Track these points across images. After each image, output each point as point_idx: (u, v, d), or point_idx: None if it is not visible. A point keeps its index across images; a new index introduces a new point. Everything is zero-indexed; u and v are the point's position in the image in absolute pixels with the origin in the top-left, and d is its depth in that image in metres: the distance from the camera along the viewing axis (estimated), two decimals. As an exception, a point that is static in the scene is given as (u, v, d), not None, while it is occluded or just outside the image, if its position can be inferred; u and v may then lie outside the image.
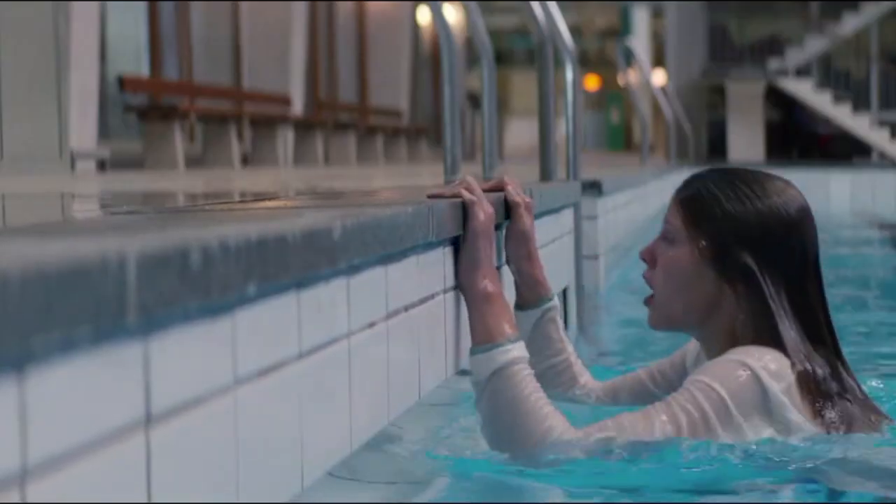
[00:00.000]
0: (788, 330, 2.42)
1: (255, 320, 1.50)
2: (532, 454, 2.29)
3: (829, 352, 2.45)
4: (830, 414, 2.37)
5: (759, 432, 2.33)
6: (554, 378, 2.74)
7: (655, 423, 2.30)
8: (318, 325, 1.71)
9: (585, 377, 2.79)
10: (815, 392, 2.38)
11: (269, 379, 1.55)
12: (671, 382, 2.63)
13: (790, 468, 2.28)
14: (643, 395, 2.67)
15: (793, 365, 2.37)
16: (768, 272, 2.45)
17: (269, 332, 1.55)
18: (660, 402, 2.35)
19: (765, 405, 2.33)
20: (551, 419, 2.30)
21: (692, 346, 2.67)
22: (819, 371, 2.39)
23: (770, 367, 2.34)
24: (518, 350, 2.38)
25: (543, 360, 2.72)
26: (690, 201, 2.50)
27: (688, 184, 2.55)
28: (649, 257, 2.53)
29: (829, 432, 2.36)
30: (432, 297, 2.32)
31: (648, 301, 2.54)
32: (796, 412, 2.34)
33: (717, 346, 2.46)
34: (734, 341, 2.42)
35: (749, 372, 2.32)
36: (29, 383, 1.05)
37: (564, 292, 4.12)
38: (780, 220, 2.46)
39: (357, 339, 1.88)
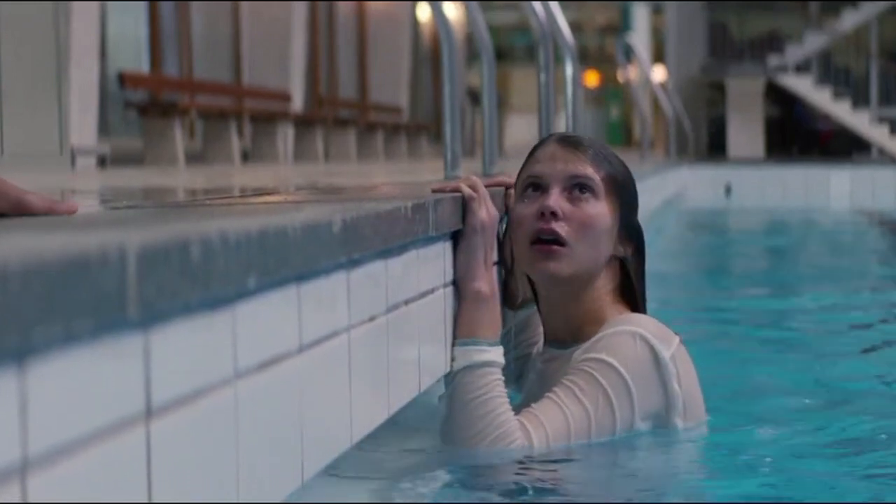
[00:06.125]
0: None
1: (255, 314, 1.50)
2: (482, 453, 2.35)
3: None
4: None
5: (647, 406, 2.42)
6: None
7: (567, 415, 2.38)
8: (318, 318, 1.71)
9: None
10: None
11: (269, 372, 1.55)
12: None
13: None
14: None
15: (670, 330, 2.48)
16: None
17: (269, 325, 1.55)
18: (561, 390, 2.42)
19: (657, 370, 2.41)
20: (505, 426, 2.36)
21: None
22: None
23: (653, 331, 2.44)
24: (494, 354, 2.42)
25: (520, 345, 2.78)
26: (601, 160, 2.53)
27: (576, 140, 2.55)
28: (560, 210, 2.49)
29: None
30: (432, 291, 2.33)
31: (554, 251, 2.49)
32: (675, 382, 2.43)
33: (588, 308, 2.52)
34: (605, 305, 2.51)
35: (639, 340, 2.41)
36: (29, 376, 1.05)
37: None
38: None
39: (357, 333, 1.88)
